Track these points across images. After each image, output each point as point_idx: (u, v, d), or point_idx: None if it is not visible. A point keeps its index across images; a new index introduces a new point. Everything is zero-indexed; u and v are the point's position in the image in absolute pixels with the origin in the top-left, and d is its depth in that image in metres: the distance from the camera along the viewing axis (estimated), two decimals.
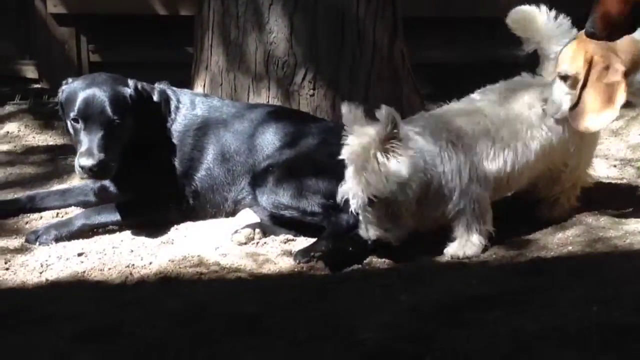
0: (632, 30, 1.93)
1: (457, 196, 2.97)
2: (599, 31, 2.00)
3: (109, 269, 2.94)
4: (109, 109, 3.18)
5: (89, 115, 3.17)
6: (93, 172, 3.13)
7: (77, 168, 3.16)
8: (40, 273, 2.93)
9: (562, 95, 2.99)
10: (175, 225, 3.32)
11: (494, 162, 3.01)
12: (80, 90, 3.21)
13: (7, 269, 2.95)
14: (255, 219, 3.31)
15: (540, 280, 2.72)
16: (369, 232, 2.92)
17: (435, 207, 3.00)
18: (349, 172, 2.86)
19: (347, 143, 2.88)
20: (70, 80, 3.32)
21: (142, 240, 3.20)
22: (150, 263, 2.98)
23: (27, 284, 2.85)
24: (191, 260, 3.00)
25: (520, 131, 3.05)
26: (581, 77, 2.90)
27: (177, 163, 3.36)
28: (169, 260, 2.99)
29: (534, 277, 2.75)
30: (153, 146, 3.32)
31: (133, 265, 2.96)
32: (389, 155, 2.81)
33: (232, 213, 3.41)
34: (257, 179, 3.31)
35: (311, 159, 3.30)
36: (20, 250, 3.11)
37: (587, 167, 3.35)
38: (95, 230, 3.24)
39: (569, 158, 3.20)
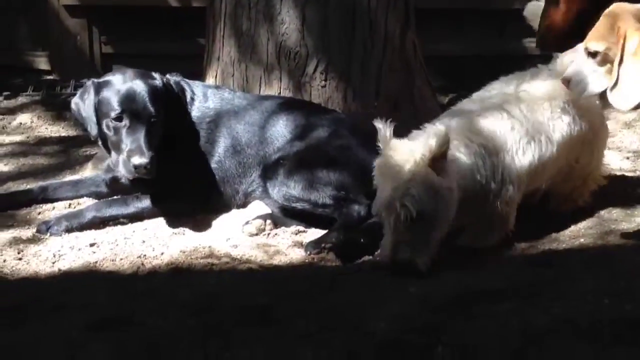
0: (579, 37, 1.88)
1: (492, 200, 2.90)
2: (549, 42, 1.96)
3: (121, 259, 2.95)
4: (150, 105, 3.17)
5: (134, 112, 3.14)
6: (147, 170, 3.09)
7: (125, 167, 3.11)
8: (53, 263, 2.94)
9: (589, 73, 2.87)
10: (187, 217, 3.33)
11: (524, 159, 2.95)
12: (116, 88, 3.18)
13: (20, 259, 2.97)
14: (266, 210, 3.32)
15: (551, 273, 2.71)
16: (398, 254, 2.71)
17: (466, 214, 2.90)
18: (389, 186, 2.71)
19: (390, 157, 2.75)
20: (94, 80, 3.27)
21: (154, 231, 3.21)
22: (162, 254, 2.99)
23: (40, 274, 2.87)
24: (202, 251, 3.01)
25: (543, 124, 3.00)
26: (615, 53, 2.79)
27: (192, 157, 3.35)
28: (181, 251, 3.00)
29: (545, 270, 2.74)
30: (171, 139, 3.30)
31: (145, 255, 2.98)
32: (438, 172, 2.71)
33: (243, 205, 3.41)
34: (268, 172, 3.31)
35: (322, 151, 3.29)
36: (33, 240, 3.13)
37: (600, 163, 3.32)
38: (106, 222, 3.25)
39: (581, 153, 3.16)
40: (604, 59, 2.81)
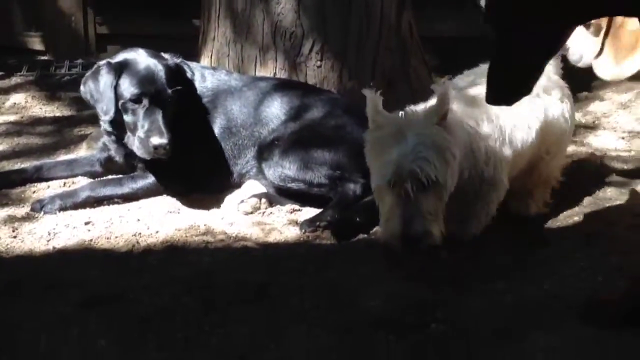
0: (529, 91, 1.94)
1: (480, 184, 2.71)
2: (501, 97, 1.99)
3: (116, 237, 2.95)
4: (166, 85, 3.16)
5: (153, 93, 3.13)
6: (166, 151, 3.09)
7: (144, 148, 3.10)
8: (48, 241, 2.94)
9: (584, 42, 2.91)
10: (182, 196, 3.32)
11: (510, 146, 2.77)
12: (137, 69, 3.16)
13: (14, 237, 2.97)
14: (261, 189, 3.32)
15: (546, 251, 2.72)
16: (411, 227, 2.46)
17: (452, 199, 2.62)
18: (392, 155, 2.48)
19: (384, 126, 2.54)
20: (109, 60, 3.23)
21: (149, 209, 3.21)
22: (157, 232, 2.99)
23: (35, 252, 2.87)
24: (198, 229, 3.01)
25: (523, 110, 2.80)
26: (604, 25, 2.85)
27: (188, 137, 3.34)
28: (176, 229, 3.00)
29: (539, 248, 2.75)
30: (179, 121, 3.26)
31: (140, 233, 2.97)
32: (445, 130, 2.52)
33: (238, 186, 3.41)
34: (263, 153, 3.30)
35: (317, 131, 3.29)
36: (28, 218, 3.12)
37: (562, 160, 3.12)
38: (100, 202, 3.25)
39: (552, 143, 2.97)
40: (598, 29, 2.85)
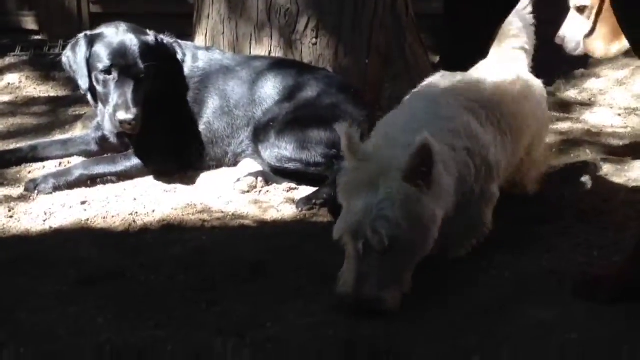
0: (484, 55, 1.95)
1: (473, 204, 2.53)
2: (454, 61, 2.00)
3: (112, 216, 2.95)
4: (140, 60, 3.16)
5: (123, 66, 3.13)
6: (131, 126, 3.10)
7: (110, 122, 3.13)
8: (44, 221, 2.94)
9: (579, 29, 2.94)
10: (178, 175, 3.32)
11: (501, 154, 2.62)
12: (109, 41, 3.17)
13: (11, 216, 2.97)
14: (258, 167, 3.31)
15: (542, 228, 2.73)
16: (363, 289, 2.18)
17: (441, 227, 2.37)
18: (357, 206, 2.22)
19: (359, 169, 2.28)
20: (87, 32, 3.26)
21: (145, 188, 3.20)
22: (154, 211, 2.99)
23: (31, 231, 2.86)
24: (194, 208, 3.01)
25: (509, 114, 2.69)
26: (595, 5, 2.88)
27: (179, 116, 3.34)
28: (172, 208, 3.00)
29: (536, 225, 2.75)
30: (161, 98, 3.28)
31: (136, 213, 2.97)
32: (421, 190, 2.23)
33: (234, 165, 3.41)
34: (259, 134, 3.30)
35: (312, 110, 3.28)
36: (24, 198, 3.12)
37: (543, 147, 3.05)
38: (93, 180, 3.24)
39: (533, 143, 2.88)
40: (591, 14, 2.87)
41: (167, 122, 3.33)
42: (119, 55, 3.14)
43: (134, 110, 3.08)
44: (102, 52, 3.16)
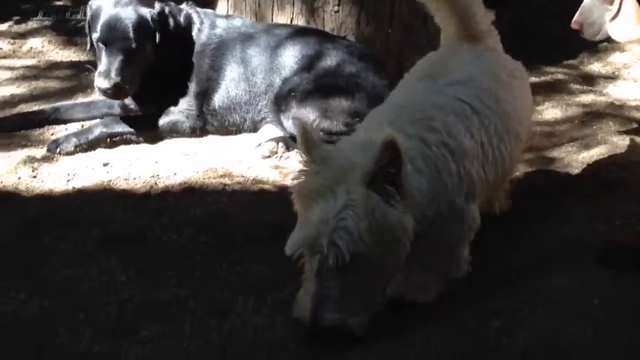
0: None
1: (447, 226, 2.12)
2: None
3: (134, 178, 2.97)
4: (131, 34, 3.22)
5: (111, 39, 3.22)
6: (107, 94, 3.24)
7: (95, 86, 3.28)
8: (67, 181, 2.96)
9: (601, 13, 2.87)
10: (199, 139, 3.34)
11: (491, 164, 2.23)
12: (104, 12, 3.25)
13: (34, 177, 2.99)
14: (278, 133, 3.32)
15: (564, 197, 2.72)
16: (322, 314, 1.90)
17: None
18: (314, 217, 1.91)
19: (316, 174, 1.95)
20: (92, 2, 3.33)
21: (166, 152, 3.22)
22: (175, 174, 3.01)
23: (55, 192, 2.89)
24: (215, 172, 3.02)
25: (506, 112, 2.31)
26: None
27: (195, 83, 3.37)
28: (193, 172, 3.01)
29: (558, 194, 2.74)
30: (175, 66, 3.34)
31: (158, 175, 2.99)
32: (388, 197, 1.91)
33: (253, 131, 3.42)
34: (280, 104, 3.31)
35: (333, 79, 3.28)
36: (47, 159, 3.14)
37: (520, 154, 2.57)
38: (113, 139, 3.27)
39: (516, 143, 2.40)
40: None
41: (184, 88, 3.37)
42: (109, 28, 3.24)
43: (113, 80, 3.19)
44: (96, 23, 3.27)
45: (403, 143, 1.89)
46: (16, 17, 5.05)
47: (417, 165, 2.02)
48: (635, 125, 3.36)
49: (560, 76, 4.01)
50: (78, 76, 4.17)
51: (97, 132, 3.25)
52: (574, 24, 2.89)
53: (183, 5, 3.46)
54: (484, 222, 2.32)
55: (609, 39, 2.95)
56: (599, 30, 2.87)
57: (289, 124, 3.26)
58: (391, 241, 1.92)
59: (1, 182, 2.95)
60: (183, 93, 3.36)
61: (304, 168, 1.98)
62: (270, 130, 3.36)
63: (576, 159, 3.06)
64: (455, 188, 2.08)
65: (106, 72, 3.20)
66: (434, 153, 2.06)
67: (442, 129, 2.10)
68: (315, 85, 3.28)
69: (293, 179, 2.03)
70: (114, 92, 3.22)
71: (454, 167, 2.08)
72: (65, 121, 3.46)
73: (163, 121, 3.34)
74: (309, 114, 3.22)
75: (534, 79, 3.88)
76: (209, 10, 3.62)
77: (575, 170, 2.98)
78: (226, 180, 2.95)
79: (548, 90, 3.77)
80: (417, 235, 1.97)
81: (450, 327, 1.98)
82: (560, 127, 3.39)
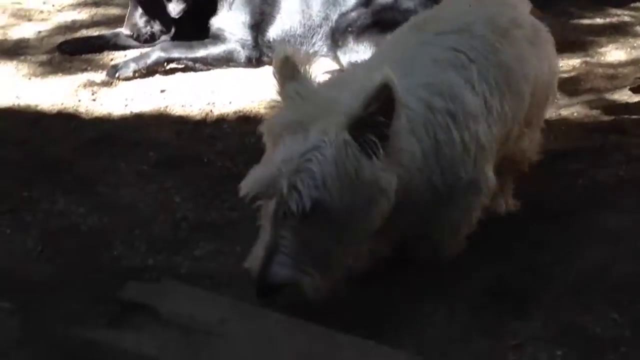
0: None
1: (456, 198, 1.90)
2: None
3: (190, 105, 3.01)
4: None
5: None
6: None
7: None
8: (125, 105, 3.02)
9: None
10: (255, 69, 3.36)
11: (498, 126, 1.98)
12: None
13: (94, 100, 3.06)
14: (334, 67, 3.32)
15: (622, 139, 2.67)
16: (270, 268, 1.66)
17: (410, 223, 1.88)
18: (279, 153, 1.68)
19: (291, 108, 1.74)
20: None
21: (223, 81, 3.25)
22: (230, 102, 3.04)
23: (113, 115, 2.96)
24: (270, 102, 3.04)
25: (513, 68, 2.03)
26: None
27: (250, 15, 3.38)
28: (249, 101, 3.04)
29: (616, 135, 2.69)
30: None
31: (213, 103, 3.03)
32: (367, 148, 1.67)
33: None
34: (337, 39, 3.31)
35: (390, 14, 3.25)
36: (106, 84, 3.20)
37: (538, 135, 2.29)
38: (170, 64, 3.30)
39: (539, 108, 2.19)
40: None
41: (240, 18, 3.38)
42: None
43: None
44: None
45: (399, 90, 1.63)
46: None
47: (416, 130, 1.79)
48: None
49: (626, 18, 3.88)
50: None
51: (154, 56, 3.29)
52: None
53: None
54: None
55: None
56: None
57: (345, 58, 3.26)
58: (363, 197, 1.67)
59: (62, 103, 3.03)
60: (239, 22, 3.38)
61: (278, 102, 1.78)
62: (325, 64, 3.36)
63: (631, 99, 2.98)
64: (459, 158, 1.85)
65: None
66: (437, 121, 1.83)
67: (447, 91, 1.86)
68: (373, 20, 3.27)
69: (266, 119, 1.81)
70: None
71: (457, 135, 1.84)
72: (124, 47, 3.50)
73: (220, 49, 3.37)
74: (366, 49, 3.21)
75: (598, 21, 3.77)
76: None
77: (634, 115, 2.91)
78: None
79: (613, 32, 3.66)
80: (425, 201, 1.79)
81: (497, 255, 1.99)
82: (624, 70, 3.30)
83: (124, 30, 3.37)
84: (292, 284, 1.67)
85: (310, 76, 1.77)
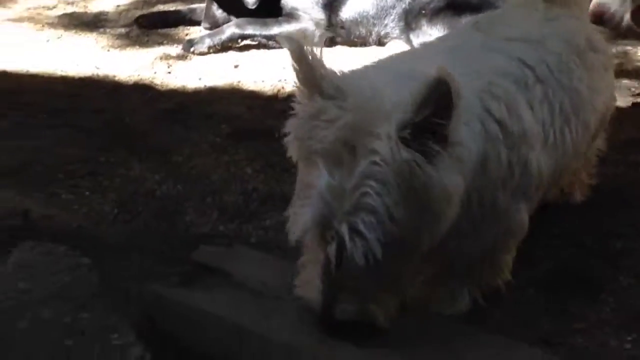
0: None
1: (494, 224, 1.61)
2: None
3: (263, 81, 3.06)
4: None
5: None
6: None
7: None
8: (199, 79, 3.09)
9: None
10: (328, 49, 3.38)
11: (551, 156, 1.71)
12: None
13: (169, 72, 3.14)
14: (405, 48, 3.31)
15: None
16: (339, 305, 1.41)
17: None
18: (323, 182, 1.36)
19: (318, 113, 1.40)
20: None
21: None
22: None
23: (187, 88, 3.02)
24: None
25: (579, 90, 1.79)
26: None
27: None
28: None
29: None
30: None
31: (285, 80, 3.06)
32: (428, 155, 1.35)
33: (377, 45, 3.45)
34: (410, 21, 3.32)
35: None
36: (181, 57, 3.27)
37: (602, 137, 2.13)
38: (244, 40, 3.35)
39: (601, 126, 2.00)
40: None
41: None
42: None
43: None
44: None
45: (457, 84, 1.31)
46: None
47: (474, 128, 1.50)
48: None
49: None
50: None
51: (229, 32, 3.35)
52: (592, 12, 2.38)
53: None
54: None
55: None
56: (622, 14, 2.53)
57: (417, 42, 3.26)
58: (432, 215, 1.37)
59: (138, 74, 3.11)
60: (313, 2, 3.42)
61: (304, 105, 1.42)
62: (396, 46, 3.36)
63: None
64: (501, 180, 1.55)
65: None
66: (490, 128, 1.53)
67: (505, 102, 1.57)
68: (447, 3, 3.27)
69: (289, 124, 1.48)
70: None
71: (505, 155, 1.54)
72: (200, 22, 3.57)
73: (293, 27, 3.41)
74: (439, 32, 3.21)
75: None
76: None
77: None
78: None
79: None
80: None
81: (569, 242, 1.97)
82: None
83: (204, 24, 3.41)
84: (365, 315, 1.42)
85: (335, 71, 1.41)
